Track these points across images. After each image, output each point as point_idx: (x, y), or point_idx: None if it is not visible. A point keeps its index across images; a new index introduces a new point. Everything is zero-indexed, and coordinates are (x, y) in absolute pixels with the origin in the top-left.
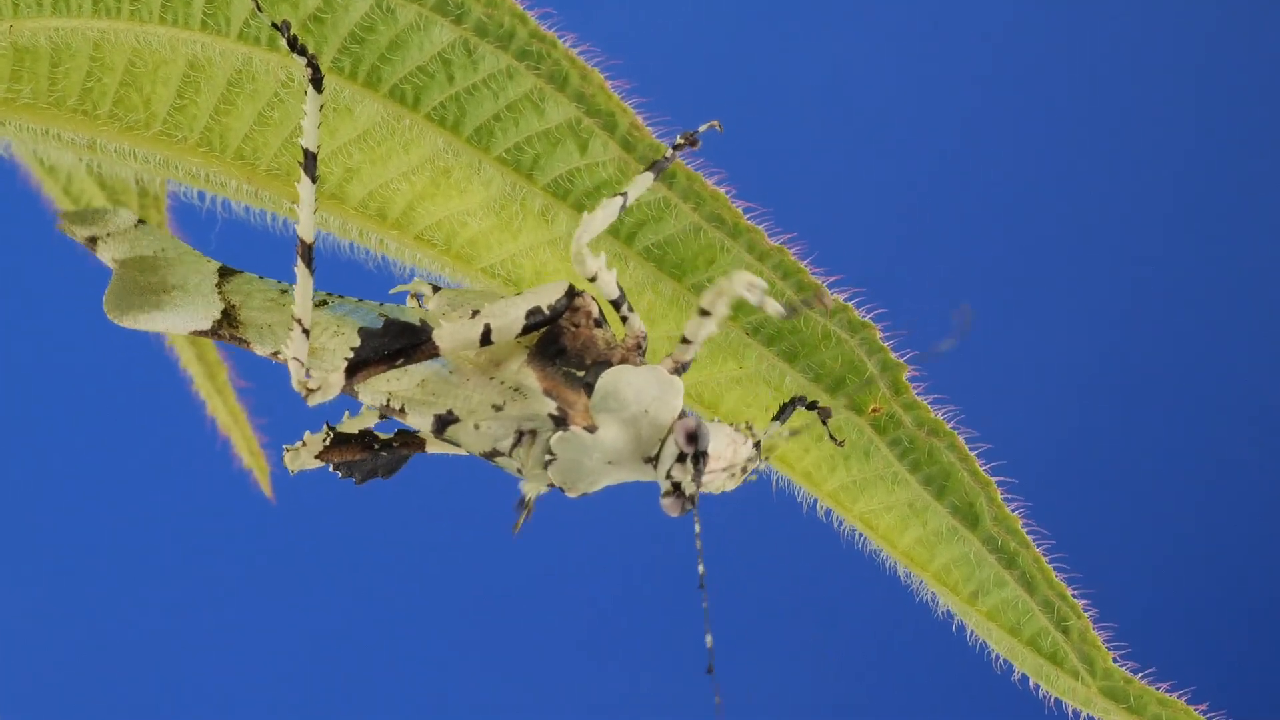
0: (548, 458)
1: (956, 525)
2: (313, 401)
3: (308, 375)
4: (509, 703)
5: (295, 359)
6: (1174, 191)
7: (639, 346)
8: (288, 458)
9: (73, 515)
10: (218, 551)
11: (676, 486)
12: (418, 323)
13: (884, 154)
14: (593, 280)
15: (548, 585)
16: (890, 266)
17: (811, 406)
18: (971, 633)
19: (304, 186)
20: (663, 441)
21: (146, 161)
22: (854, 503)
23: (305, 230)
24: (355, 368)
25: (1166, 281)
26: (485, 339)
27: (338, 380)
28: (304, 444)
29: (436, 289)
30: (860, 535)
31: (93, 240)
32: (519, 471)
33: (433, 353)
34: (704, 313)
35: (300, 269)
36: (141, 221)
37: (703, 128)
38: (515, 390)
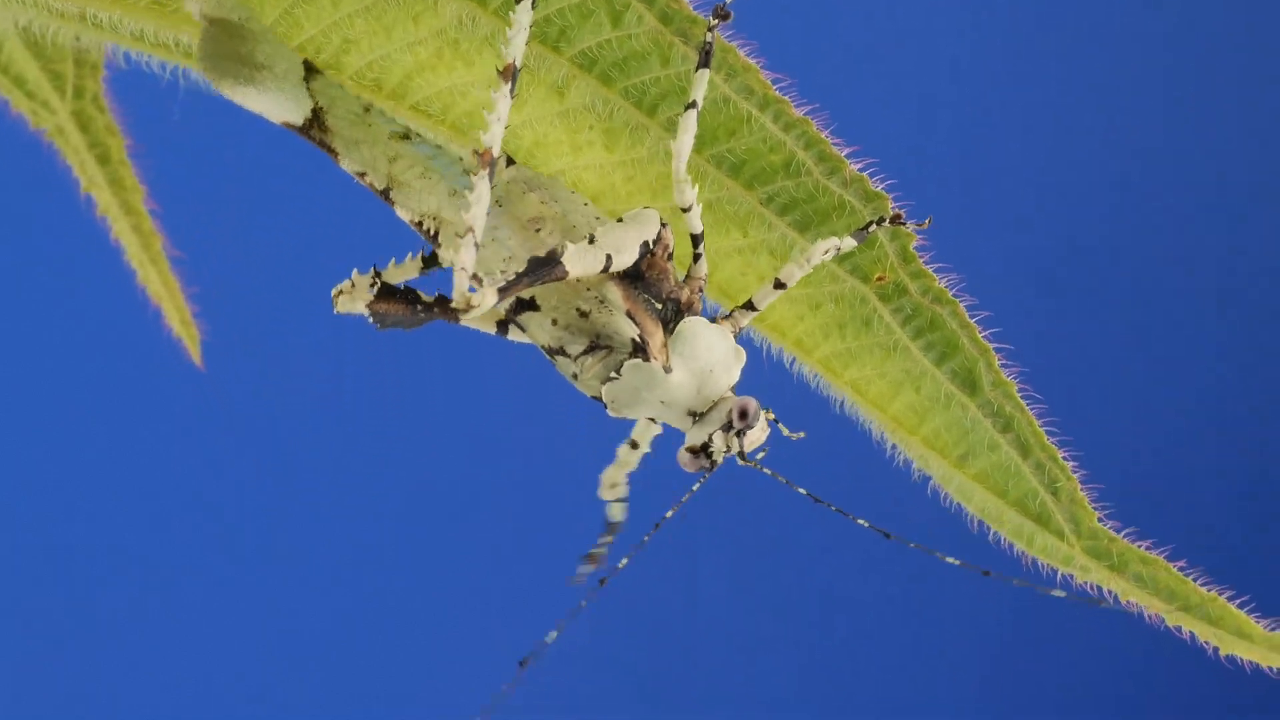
0: (613, 375)
1: (954, 391)
2: (467, 317)
3: (472, 290)
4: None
5: (463, 269)
6: (1189, 80)
7: (701, 289)
8: (340, 300)
9: None
10: (144, 418)
11: (705, 447)
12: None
13: (906, 28)
14: (686, 211)
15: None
16: (903, 138)
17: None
18: (946, 495)
19: (501, 97)
20: (714, 404)
21: (115, 31)
22: (844, 369)
23: (493, 140)
24: (507, 289)
25: (1165, 157)
26: (605, 268)
27: (492, 298)
28: (353, 285)
29: (511, 161)
30: (844, 401)
31: None
32: (574, 376)
33: (562, 275)
34: (779, 285)
35: (481, 179)
36: None
37: None
38: (600, 302)
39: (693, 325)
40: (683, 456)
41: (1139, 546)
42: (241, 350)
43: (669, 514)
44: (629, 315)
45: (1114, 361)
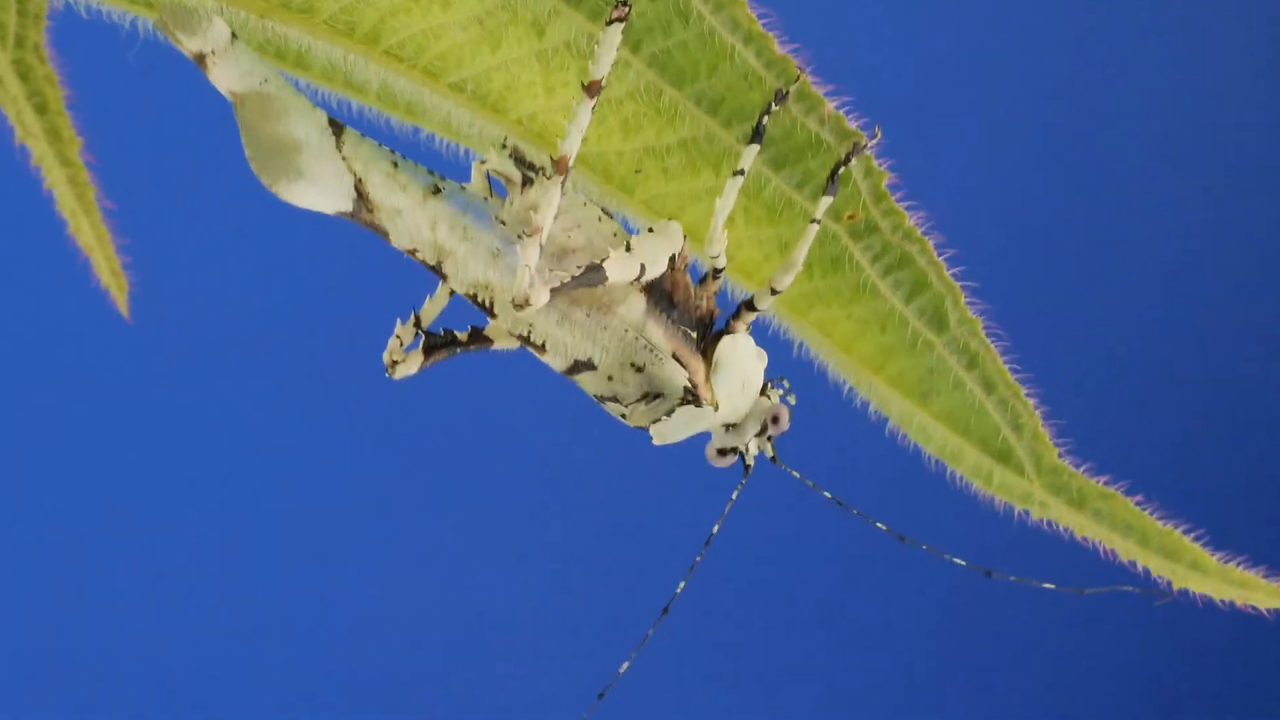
0: (663, 418)
1: (921, 329)
2: (526, 314)
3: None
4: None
5: (527, 266)
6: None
7: (714, 293)
8: (398, 369)
9: None
10: (71, 368)
11: (735, 449)
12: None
13: None
14: (715, 257)
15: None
16: (878, 74)
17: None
18: (904, 435)
19: (583, 108)
20: (748, 413)
21: None
22: (810, 309)
23: (570, 149)
24: (559, 289)
25: (1130, 97)
26: (639, 276)
27: (545, 295)
28: (400, 340)
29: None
30: (803, 344)
31: (201, 58)
32: (622, 416)
33: (601, 279)
34: (774, 290)
35: (554, 184)
36: (235, 36)
37: None
38: (650, 350)
39: (730, 350)
40: (711, 454)
41: (1098, 481)
42: (168, 303)
43: (715, 529)
44: (674, 357)
45: (1075, 297)
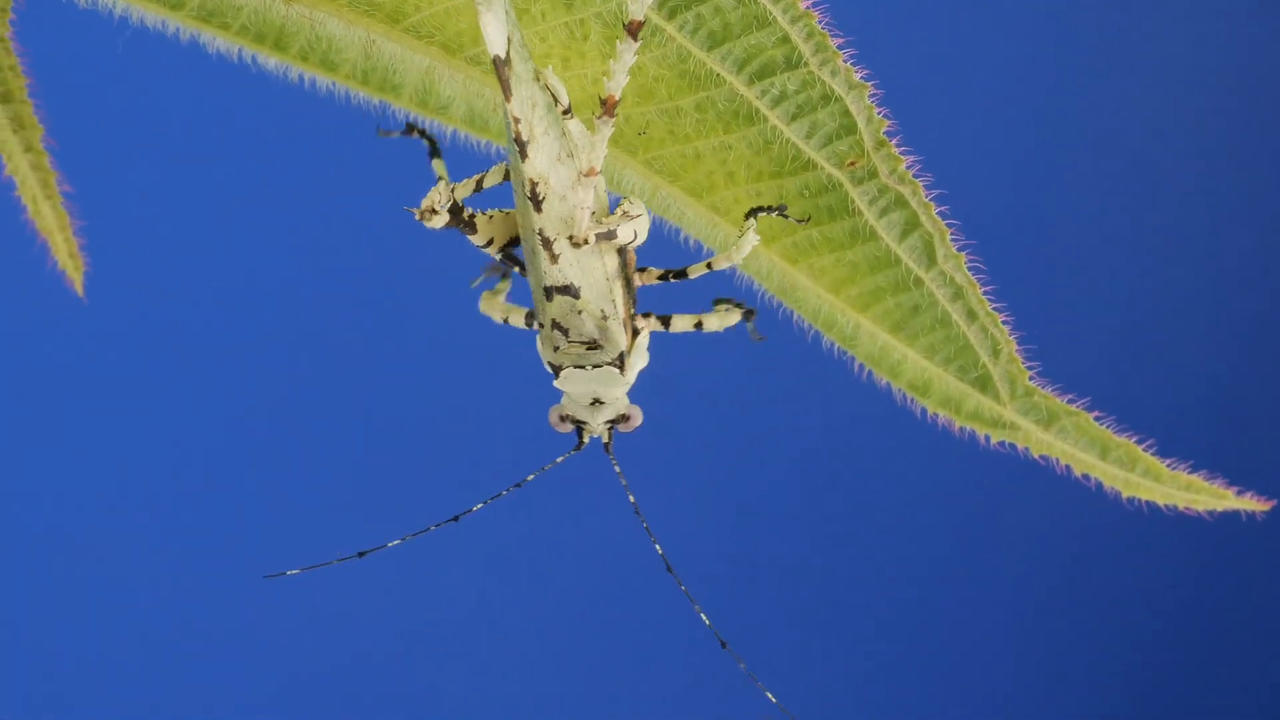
0: (583, 366)
1: (911, 267)
2: (580, 252)
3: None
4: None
5: (586, 208)
6: None
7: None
8: (435, 220)
9: None
10: (27, 349)
11: (581, 424)
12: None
13: None
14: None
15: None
16: (884, 31)
17: (769, 210)
18: (868, 371)
19: (626, 48)
20: (615, 399)
21: None
22: (800, 257)
23: (616, 88)
24: (600, 235)
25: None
26: (631, 241)
27: (594, 239)
28: (439, 194)
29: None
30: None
31: None
32: (555, 349)
33: (612, 236)
34: (665, 321)
35: (606, 124)
36: None
37: None
38: (614, 305)
39: (644, 341)
40: (553, 418)
41: (1063, 399)
42: (123, 284)
43: (530, 476)
44: (624, 324)
45: (1044, 229)
